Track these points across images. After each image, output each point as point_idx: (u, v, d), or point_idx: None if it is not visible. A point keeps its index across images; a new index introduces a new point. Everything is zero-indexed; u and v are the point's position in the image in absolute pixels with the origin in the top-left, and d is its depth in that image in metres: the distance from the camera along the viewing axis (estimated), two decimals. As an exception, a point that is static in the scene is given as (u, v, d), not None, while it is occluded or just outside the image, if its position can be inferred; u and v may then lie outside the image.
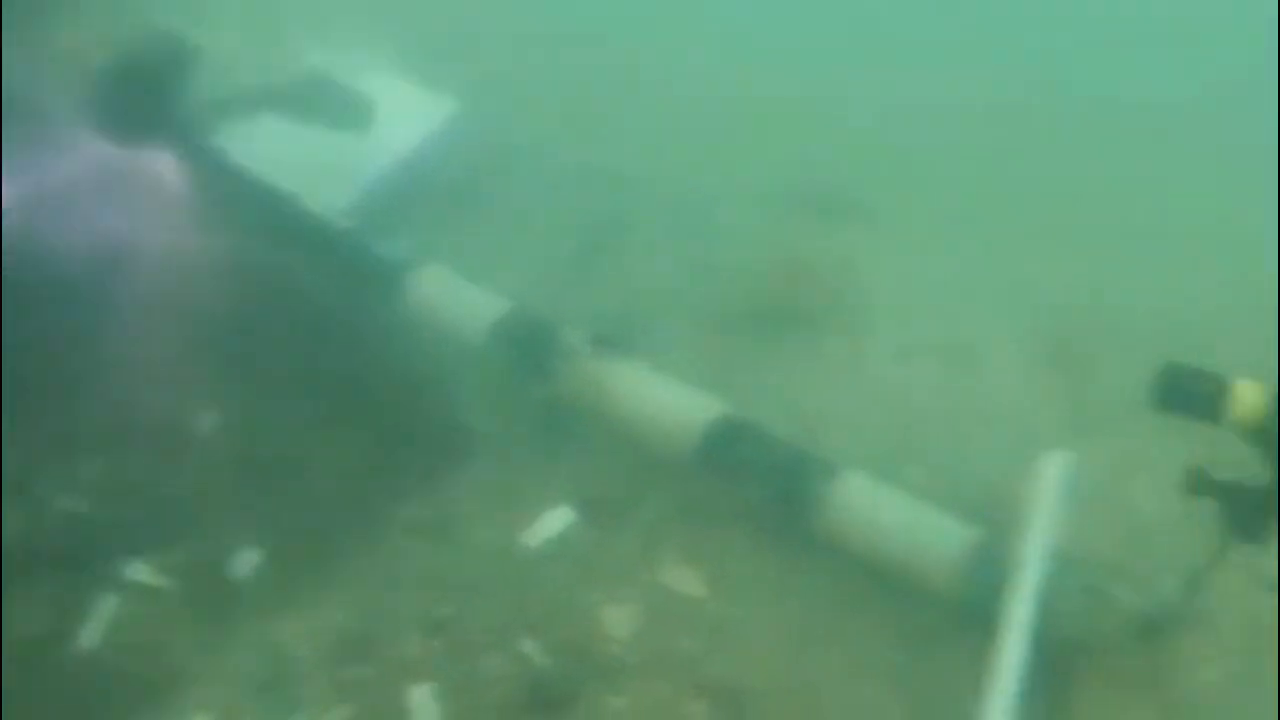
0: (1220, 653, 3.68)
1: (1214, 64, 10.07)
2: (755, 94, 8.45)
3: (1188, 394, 2.03)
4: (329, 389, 4.14)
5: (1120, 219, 7.04)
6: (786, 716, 3.53)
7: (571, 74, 8.18)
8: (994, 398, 5.06)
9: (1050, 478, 3.22)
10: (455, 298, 4.52)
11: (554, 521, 4.18)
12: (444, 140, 6.10)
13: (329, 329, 4.23)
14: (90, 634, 3.59)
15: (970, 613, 3.45)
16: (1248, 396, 1.97)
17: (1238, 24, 10.94)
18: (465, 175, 6.21)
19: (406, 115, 6.08)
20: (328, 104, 4.90)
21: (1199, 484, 2.39)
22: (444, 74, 6.51)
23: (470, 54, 7.36)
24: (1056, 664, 3.31)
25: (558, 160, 6.77)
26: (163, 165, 4.72)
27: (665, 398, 4.05)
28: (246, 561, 3.89)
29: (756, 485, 3.80)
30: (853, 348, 5.32)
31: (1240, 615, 3.83)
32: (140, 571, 3.78)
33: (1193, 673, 3.58)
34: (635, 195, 6.65)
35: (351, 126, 4.96)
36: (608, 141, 7.22)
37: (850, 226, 6.53)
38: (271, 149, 5.05)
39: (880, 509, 3.62)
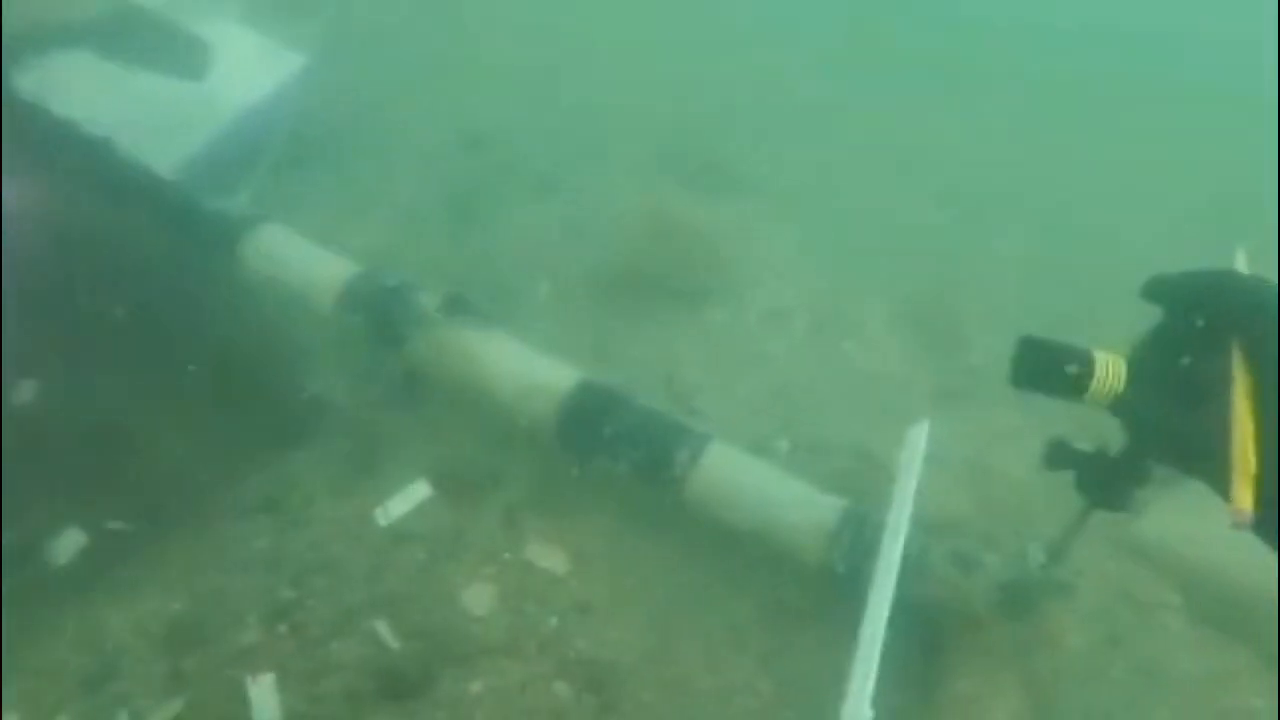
0: (1083, 620, 3.81)
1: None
2: (632, 58, 8.32)
3: (1046, 371, 1.95)
4: (159, 356, 3.76)
5: (996, 186, 7.26)
6: (651, 695, 3.44)
7: (436, 33, 7.83)
8: (865, 365, 5.12)
9: (914, 446, 3.22)
10: (299, 259, 4.18)
11: (409, 497, 3.95)
12: (292, 96, 5.69)
13: (156, 290, 3.83)
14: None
15: (837, 584, 3.43)
16: (1108, 369, 1.91)
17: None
18: (320, 133, 5.84)
19: (252, 67, 5.64)
20: (149, 43, 4.41)
21: (1058, 457, 2.36)
22: (297, 28, 6.08)
23: (327, 8, 6.86)
24: (925, 634, 3.34)
25: (420, 119, 6.46)
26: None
27: (523, 366, 3.85)
28: (68, 544, 3.52)
29: (618, 456, 3.66)
30: (725, 314, 5.28)
31: (1102, 581, 3.99)
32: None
33: (1057, 640, 3.68)
34: (501, 158, 6.42)
35: (184, 73, 4.51)
36: (474, 104, 6.94)
37: (726, 192, 6.50)
38: (97, 94, 4.58)
39: (745, 480, 3.56)
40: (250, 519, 3.78)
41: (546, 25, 8.59)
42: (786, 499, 3.51)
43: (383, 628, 3.48)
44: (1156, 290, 1.41)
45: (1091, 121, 8.57)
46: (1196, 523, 4.16)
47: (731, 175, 6.65)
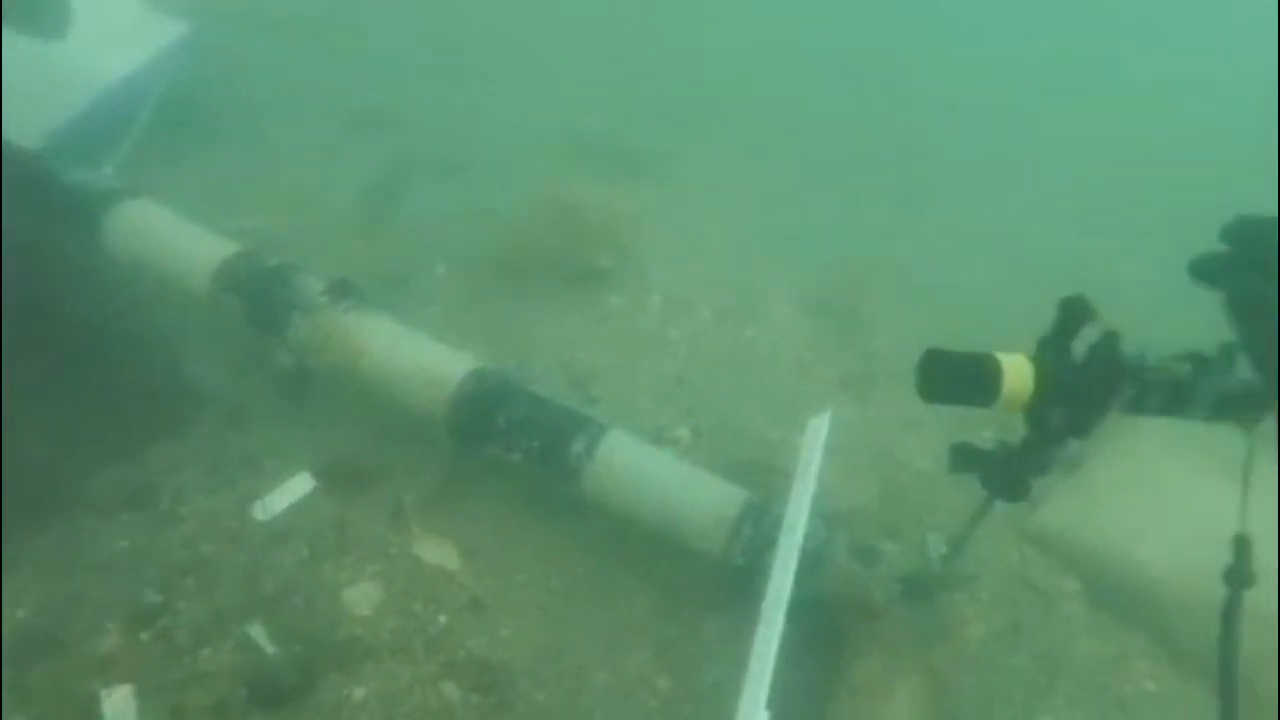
0: (985, 609, 3.80)
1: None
2: (541, 41, 8.10)
3: (955, 383, 1.88)
4: (13, 339, 3.44)
5: (910, 179, 7.25)
6: (545, 693, 3.30)
7: (343, 6, 7.50)
8: (770, 352, 5.03)
9: (814, 437, 3.13)
10: (170, 236, 3.88)
11: (290, 491, 3.72)
12: (170, 65, 5.34)
13: (10, 269, 3.52)
14: None
15: (737, 575, 3.34)
16: (1015, 374, 1.85)
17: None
18: (202, 105, 5.49)
19: (130, 33, 5.29)
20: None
21: (962, 460, 2.33)
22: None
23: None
24: (824, 626, 3.27)
25: (315, 95, 6.15)
26: None
27: (413, 354, 3.64)
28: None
29: (512, 446, 3.50)
30: (627, 300, 5.13)
31: (1004, 570, 3.99)
32: None
33: (958, 630, 3.66)
34: (403, 138, 6.16)
35: (42, 32, 4.16)
36: (378, 82, 6.65)
37: (635, 177, 6.36)
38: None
39: (643, 470, 3.42)
40: (113, 516, 3.50)
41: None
42: (685, 490, 3.39)
43: (258, 631, 3.26)
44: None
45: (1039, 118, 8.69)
46: (1095, 510, 4.19)
47: (650, 164, 6.52)
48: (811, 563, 3.16)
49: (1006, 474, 2.27)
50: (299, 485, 3.74)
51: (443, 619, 3.43)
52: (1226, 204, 1.82)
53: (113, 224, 3.86)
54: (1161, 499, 4.15)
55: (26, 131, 4.38)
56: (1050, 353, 1.95)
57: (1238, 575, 1.77)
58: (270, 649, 3.21)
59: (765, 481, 3.77)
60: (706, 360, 4.78)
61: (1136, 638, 3.84)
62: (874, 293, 5.53)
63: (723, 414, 4.41)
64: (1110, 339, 1.93)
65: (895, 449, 4.39)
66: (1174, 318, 2.99)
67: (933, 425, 4.55)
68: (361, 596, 3.45)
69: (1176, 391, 1.92)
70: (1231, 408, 1.94)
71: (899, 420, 4.61)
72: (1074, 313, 1.96)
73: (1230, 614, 1.72)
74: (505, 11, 8.44)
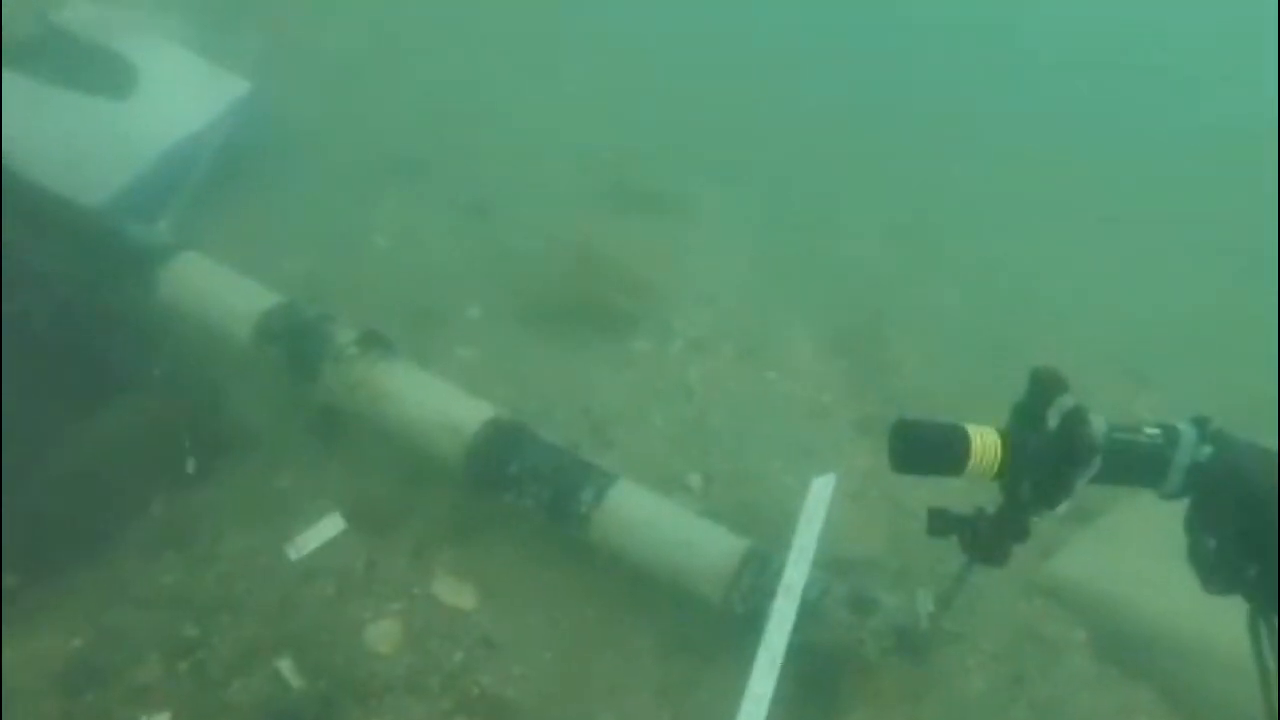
0: (987, 660, 3.85)
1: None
2: (566, 89, 8.32)
3: (924, 455, 1.96)
4: (62, 384, 3.74)
5: (932, 218, 7.30)
6: (552, 730, 3.46)
7: (373, 56, 7.81)
8: (789, 394, 5.14)
9: (817, 500, 3.25)
10: (217, 288, 4.16)
11: (322, 531, 3.95)
12: (231, 121, 5.65)
13: (64, 317, 3.81)
14: None
15: (739, 624, 3.46)
16: (985, 446, 1.93)
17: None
18: (248, 157, 5.79)
19: (195, 92, 5.58)
20: (72, 62, 4.37)
21: (939, 525, 2.38)
22: (231, 45, 6.04)
23: (261, 26, 6.81)
24: (818, 676, 3.37)
25: (351, 143, 6.42)
26: None
27: (433, 402, 3.86)
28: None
29: (524, 494, 3.68)
30: (650, 343, 5.30)
31: (1010, 620, 4.03)
32: None
33: (960, 682, 3.71)
34: (439, 180, 6.41)
35: (108, 92, 4.46)
36: (409, 127, 6.92)
37: (662, 220, 6.53)
38: (31, 119, 4.53)
39: (649, 520, 3.58)
40: (158, 554, 3.77)
41: (500, 45, 8.59)
42: (689, 539, 3.54)
43: (286, 666, 3.47)
44: None
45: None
46: (1104, 561, 4.22)
47: (670, 203, 6.69)
48: (808, 613, 3.27)
49: (985, 540, 2.32)
50: (330, 526, 3.97)
51: (458, 656, 3.61)
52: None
53: (165, 277, 4.15)
54: (1177, 551, 4.15)
55: (94, 189, 4.68)
56: (1020, 424, 1.98)
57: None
58: (296, 683, 3.43)
59: (774, 529, 3.87)
60: (725, 403, 4.92)
61: (1141, 691, 3.85)
62: (899, 335, 5.60)
63: (738, 459, 4.54)
64: (1078, 412, 1.95)
65: (908, 499, 4.46)
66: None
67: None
68: (382, 634, 3.65)
69: (1147, 464, 1.93)
70: (1202, 482, 1.97)
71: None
72: (1045, 384, 1.96)
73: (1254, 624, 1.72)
74: (534, 55, 8.67)
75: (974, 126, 9.04)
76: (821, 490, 3.23)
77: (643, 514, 3.60)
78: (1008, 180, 8.26)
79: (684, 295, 5.64)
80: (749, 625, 3.35)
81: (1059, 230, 7.59)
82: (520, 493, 3.70)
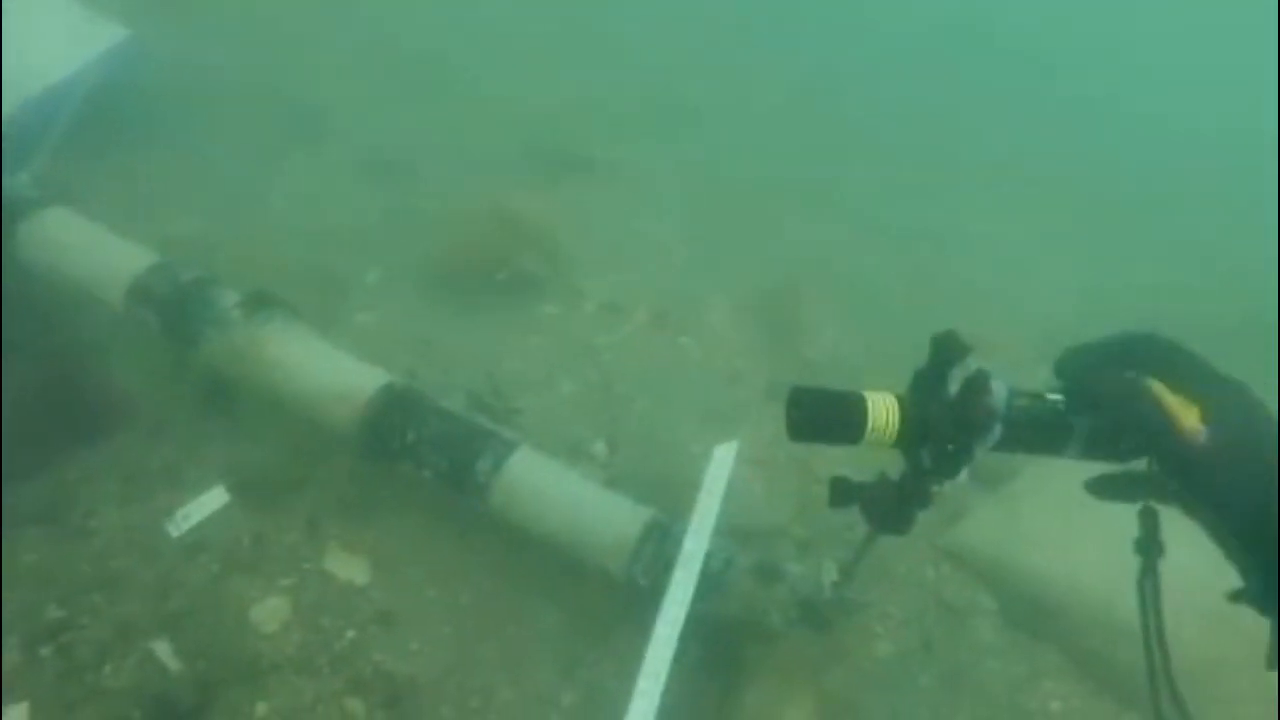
0: (895, 626, 3.82)
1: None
2: (488, 49, 8.05)
3: (821, 422, 1.84)
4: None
5: (856, 188, 7.27)
6: (450, 709, 3.33)
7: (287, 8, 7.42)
8: (702, 360, 5.04)
9: (719, 467, 3.15)
10: (86, 247, 3.87)
11: (205, 505, 3.72)
12: (103, 71, 5.27)
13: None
14: None
15: (643, 596, 3.36)
16: (883, 413, 1.81)
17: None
18: (133, 110, 5.42)
19: (67, 38, 5.20)
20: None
21: (841, 495, 2.28)
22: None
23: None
24: (720, 647, 3.30)
25: (248, 95, 6.08)
26: None
27: (326, 369, 3.65)
28: None
29: (422, 463, 3.51)
30: (560, 308, 5.14)
31: (919, 588, 4.01)
32: None
33: (868, 650, 3.68)
34: (346, 141, 6.13)
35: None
36: (308, 80, 6.59)
37: (580, 186, 6.34)
38: None
39: (549, 489, 3.44)
40: (20, 530, 3.51)
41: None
42: (590, 510, 3.42)
43: (162, 648, 3.27)
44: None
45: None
46: (1015, 526, 4.23)
47: (600, 169, 6.51)
48: (710, 584, 3.19)
49: (887, 508, 2.26)
50: (213, 499, 3.74)
51: (351, 634, 3.44)
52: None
53: (27, 234, 3.84)
54: (1082, 517, 4.17)
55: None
56: (920, 391, 1.92)
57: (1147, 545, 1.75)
58: (174, 665, 3.22)
59: (678, 497, 3.77)
60: (635, 369, 4.79)
61: (1048, 656, 3.88)
62: (816, 300, 5.54)
63: (646, 425, 4.43)
64: (980, 378, 1.89)
65: (817, 465, 4.40)
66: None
67: (859, 439, 4.55)
68: (269, 612, 3.46)
69: (1048, 431, 1.89)
70: (1104, 446, 1.93)
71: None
72: (945, 349, 1.91)
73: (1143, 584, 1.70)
74: (468, 15, 8.37)
75: (918, 100, 9.06)
76: (724, 458, 3.14)
77: (541, 483, 3.45)
78: (947, 150, 8.27)
79: (600, 260, 5.48)
80: (653, 598, 3.25)
81: (993, 203, 7.63)
82: (418, 462, 3.52)
